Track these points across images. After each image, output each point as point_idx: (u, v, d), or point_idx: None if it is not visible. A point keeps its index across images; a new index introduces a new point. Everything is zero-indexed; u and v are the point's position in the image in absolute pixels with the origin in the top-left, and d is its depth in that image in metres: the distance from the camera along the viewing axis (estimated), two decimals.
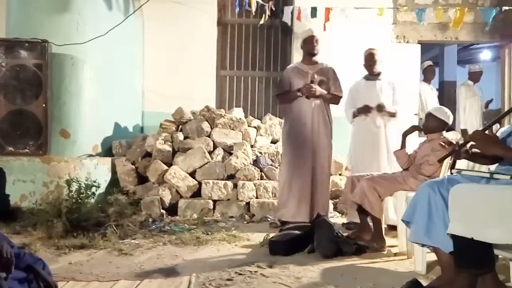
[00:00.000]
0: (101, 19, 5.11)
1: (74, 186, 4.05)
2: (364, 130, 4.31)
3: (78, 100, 4.81)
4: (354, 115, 4.37)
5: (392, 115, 4.28)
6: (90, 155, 4.94)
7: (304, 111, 4.21)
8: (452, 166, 2.44)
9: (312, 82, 4.18)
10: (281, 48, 6.73)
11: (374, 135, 4.26)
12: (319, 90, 4.19)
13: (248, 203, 4.77)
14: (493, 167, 2.35)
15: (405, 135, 3.65)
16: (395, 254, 3.25)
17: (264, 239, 3.51)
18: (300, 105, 4.23)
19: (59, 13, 4.76)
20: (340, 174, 5.48)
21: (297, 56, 6.31)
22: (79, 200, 3.96)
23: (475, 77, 6.79)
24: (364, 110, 4.27)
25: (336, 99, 4.33)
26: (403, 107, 4.39)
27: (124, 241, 3.54)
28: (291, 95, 4.26)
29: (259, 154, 5.23)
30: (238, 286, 2.52)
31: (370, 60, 4.36)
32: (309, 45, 4.30)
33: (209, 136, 5.30)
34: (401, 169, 3.66)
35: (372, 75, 4.39)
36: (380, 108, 4.21)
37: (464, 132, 6.13)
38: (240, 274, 2.72)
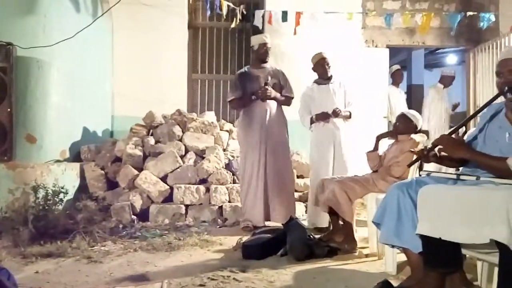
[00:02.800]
0: (68, 22, 5.01)
1: (41, 193, 3.95)
2: (324, 135, 4.32)
3: (44, 104, 4.69)
4: (312, 121, 4.38)
5: (347, 117, 4.34)
6: (58, 161, 4.82)
7: (259, 114, 4.28)
8: (420, 168, 2.48)
9: (266, 84, 4.24)
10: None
11: (334, 138, 4.29)
12: (273, 92, 4.28)
13: (220, 207, 4.75)
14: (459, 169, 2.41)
15: (379, 138, 3.71)
16: (366, 255, 3.29)
17: (237, 243, 3.50)
18: (254, 108, 4.29)
19: (25, 15, 4.63)
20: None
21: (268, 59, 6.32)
22: (46, 207, 3.87)
23: (446, 81, 6.84)
24: (323, 117, 4.29)
25: (287, 101, 4.44)
26: (356, 106, 4.42)
27: (93, 248, 3.47)
28: (245, 100, 4.31)
29: (231, 158, 5.21)
30: None
31: (326, 64, 4.37)
32: (262, 51, 4.38)
33: (180, 140, 5.25)
34: (370, 171, 3.71)
35: (325, 79, 4.42)
36: (336, 113, 4.24)
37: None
38: (213, 279, 2.70)
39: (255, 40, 4.47)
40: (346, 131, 4.35)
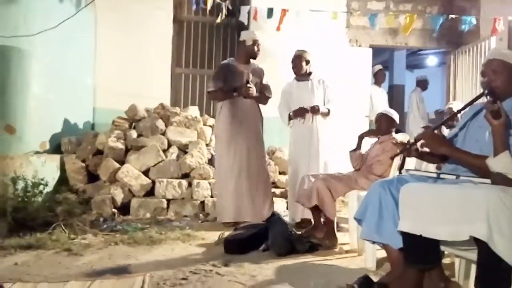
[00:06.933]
0: (51, 12, 4.92)
1: (20, 184, 3.90)
2: (302, 131, 4.35)
3: (24, 95, 4.60)
4: (290, 118, 4.41)
5: (326, 114, 4.36)
6: (38, 152, 4.74)
7: (240, 111, 4.24)
8: (401, 167, 2.53)
9: (247, 82, 4.23)
10: (237, 47, 6.72)
11: (309, 135, 4.31)
12: (255, 90, 4.27)
13: (202, 202, 4.75)
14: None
15: (361, 137, 3.76)
16: (347, 252, 3.34)
17: (219, 238, 3.51)
18: (236, 104, 4.25)
19: (6, 3, 4.53)
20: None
21: None
22: (26, 199, 3.82)
23: (422, 84, 7.31)
24: (300, 113, 4.32)
25: (265, 100, 4.43)
26: (336, 104, 4.44)
27: (73, 241, 3.43)
28: (226, 93, 4.26)
29: (214, 153, 5.20)
30: (193, 285, 2.51)
31: (298, 64, 4.39)
32: (255, 48, 4.33)
33: (163, 134, 5.22)
34: (353, 169, 3.76)
35: (302, 76, 4.43)
36: (315, 110, 4.28)
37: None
38: (195, 273, 2.71)
39: (248, 36, 4.39)
40: (324, 129, 4.36)
